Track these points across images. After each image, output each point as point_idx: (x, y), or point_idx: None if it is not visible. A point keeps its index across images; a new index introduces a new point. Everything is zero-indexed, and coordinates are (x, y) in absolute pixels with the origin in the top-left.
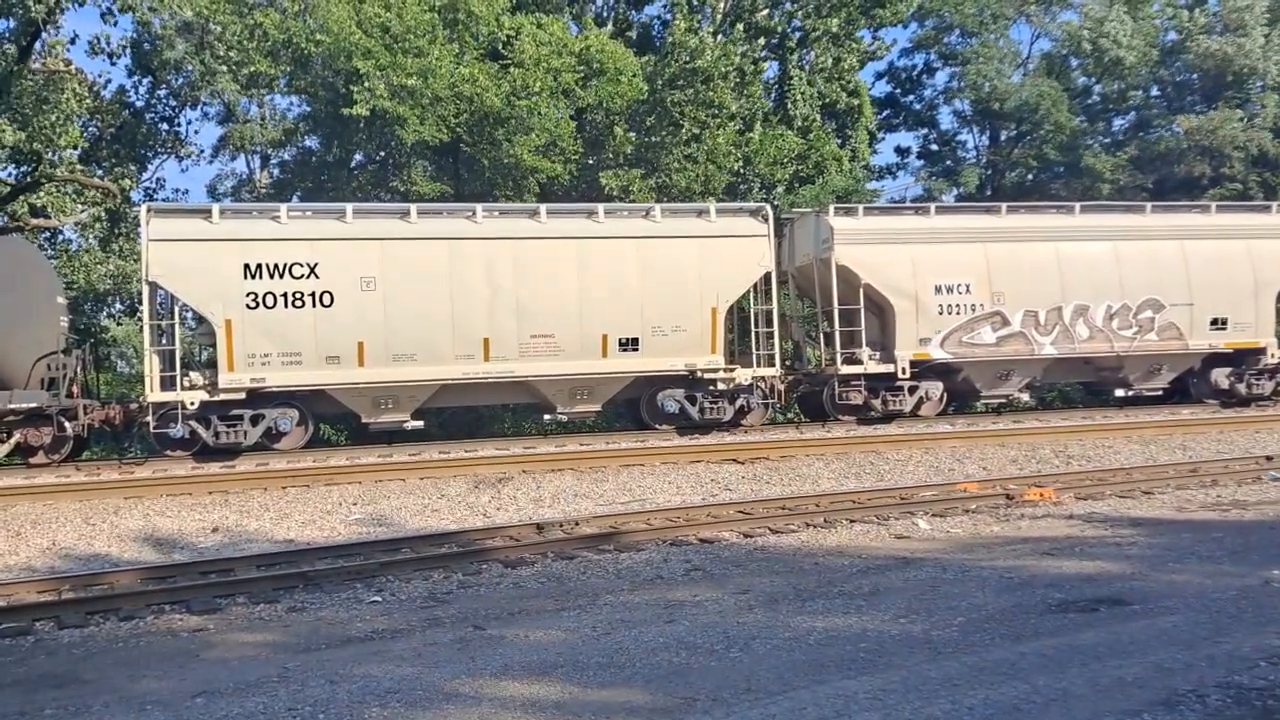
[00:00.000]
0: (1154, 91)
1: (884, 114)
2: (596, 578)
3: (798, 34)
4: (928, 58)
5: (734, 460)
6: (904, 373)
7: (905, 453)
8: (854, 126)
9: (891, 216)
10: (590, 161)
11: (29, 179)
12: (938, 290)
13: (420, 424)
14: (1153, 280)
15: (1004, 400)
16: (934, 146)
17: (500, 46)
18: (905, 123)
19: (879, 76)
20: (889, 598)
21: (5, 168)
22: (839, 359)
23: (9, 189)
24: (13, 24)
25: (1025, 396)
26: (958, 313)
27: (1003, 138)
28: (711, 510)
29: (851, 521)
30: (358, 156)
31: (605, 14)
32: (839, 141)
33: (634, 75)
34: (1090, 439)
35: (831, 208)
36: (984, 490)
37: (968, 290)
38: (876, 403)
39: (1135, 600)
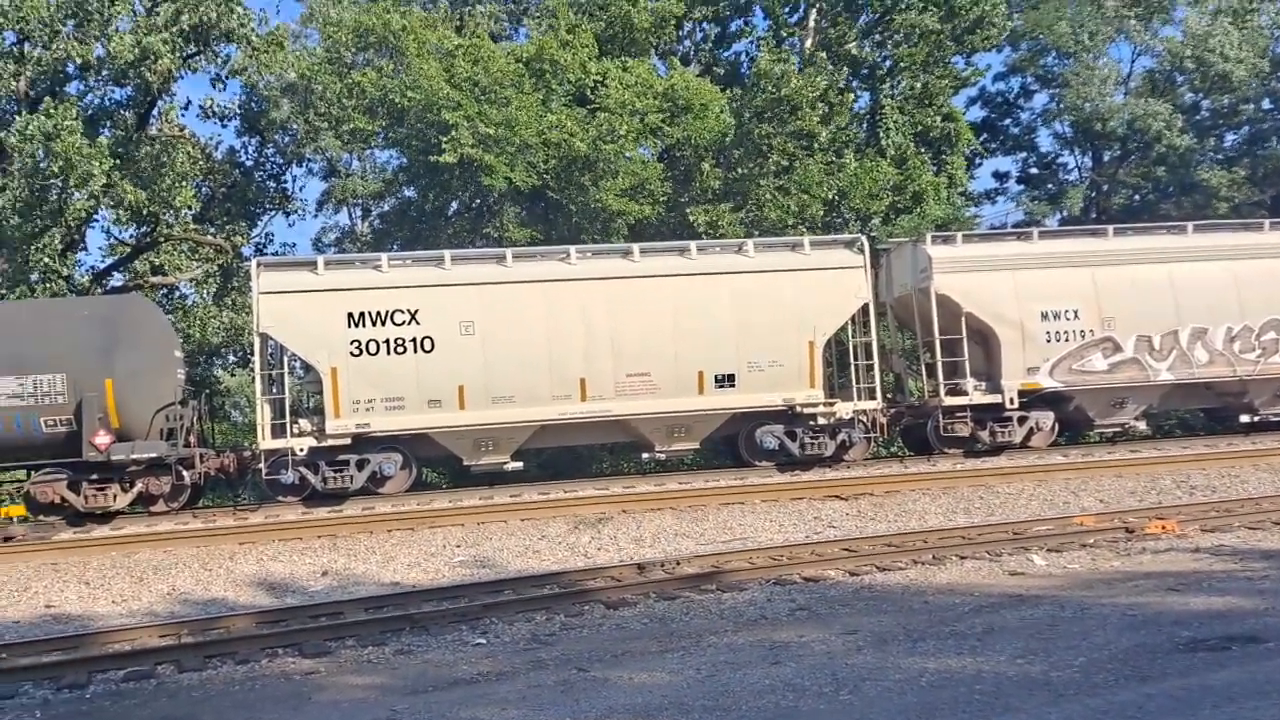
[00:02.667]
0: (1266, 105)
1: (980, 139)
2: (699, 618)
3: (887, 63)
4: (1024, 81)
5: (837, 496)
6: (1012, 403)
7: (1016, 486)
8: (950, 153)
9: (992, 243)
10: (682, 199)
11: (148, 239)
12: (1044, 317)
13: (520, 465)
14: (1276, 300)
15: (1119, 429)
16: (1034, 170)
17: (588, 91)
18: (1003, 147)
19: (972, 102)
20: (1004, 637)
21: (127, 229)
22: (942, 390)
23: (130, 249)
24: (131, 92)
25: (1142, 425)
26: (1066, 340)
27: (1106, 158)
28: (815, 548)
29: (962, 558)
30: (454, 205)
31: (692, 53)
32: (934, 169)
33: (720, 110)
34: (1214, 468)
35: (929, 236)
36: (1102, 523)
37: (1076, 316)
38: (984, 434)
39: (1271, 637)
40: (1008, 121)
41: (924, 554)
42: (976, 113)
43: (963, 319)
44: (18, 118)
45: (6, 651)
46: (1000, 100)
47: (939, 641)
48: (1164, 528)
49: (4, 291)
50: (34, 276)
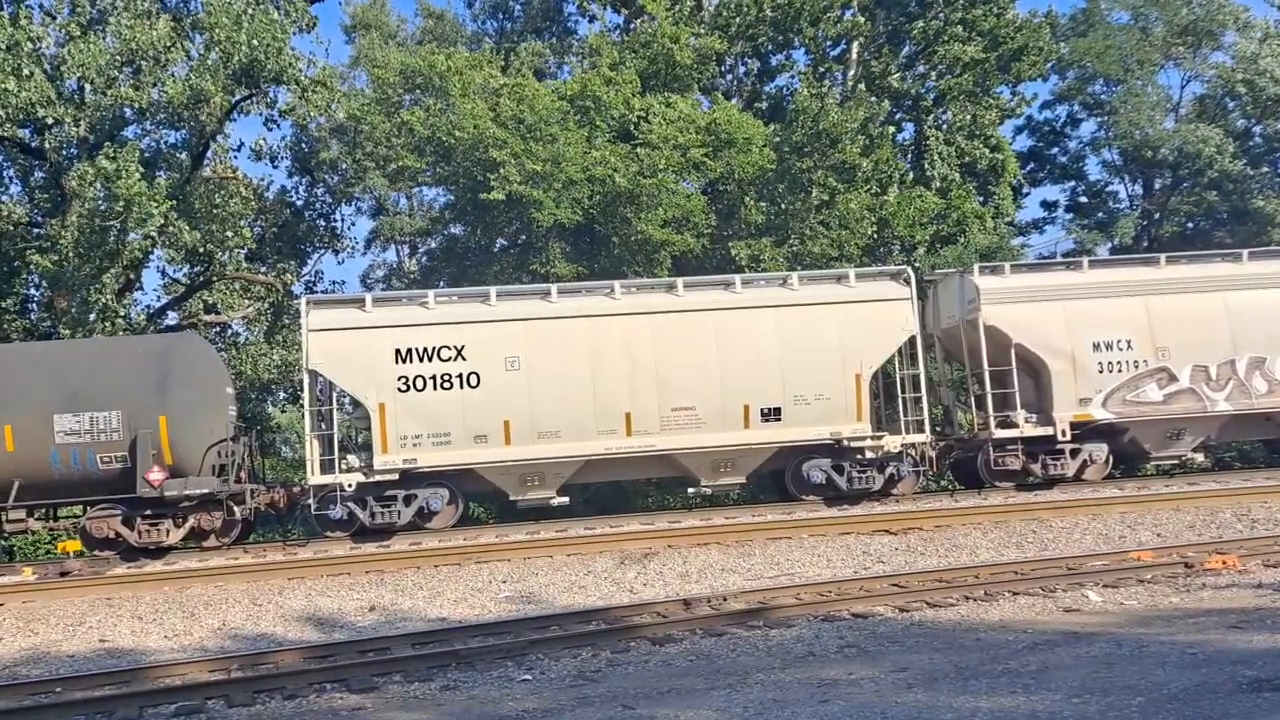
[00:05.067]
0: None
1: (1027, 168)
2: (746, 655)
3: (932, 94)
4: (1070, 109)
5: (886, 531)
6: (1064, 435)
7: (1070, 520)
8: (997, 183)
9: (1041, 273)
10: (725, 233)
11: (202, 278)
12: (1096, 347)
13: (566, 500)
14: None
15: (1176, 461)
16: (1083, 198)
17: (632, 127)
18: (1050, 176)
19: (1019, 130)
20: (1059, 675)
21: (181, 268)
22: (992, 423)
23: (185, 288)
24: (185, 134)
25: (1200, 457)
26: (1119, 370)
27: (1157, 186)
28: (864, 584)
29: (1014, 594)
30: (500, 241)
31: (734, 88)
32: (981, 199)
33: (763, 145)
34: (1276, 501)
35: (976, 267)
36: (1159, 558)
37: (1129, 346)
38: (1036, 467)
39: None
40: (1055, 150)
41: (975, 590)
42: (1023, 141)
43: (1012, 350)
44: (78, 163)
45: (61, 686)
46: (1047, 129)
47: (992, 680)
48: (1225, 563)
49: (66, 330)
50: (92, 316)
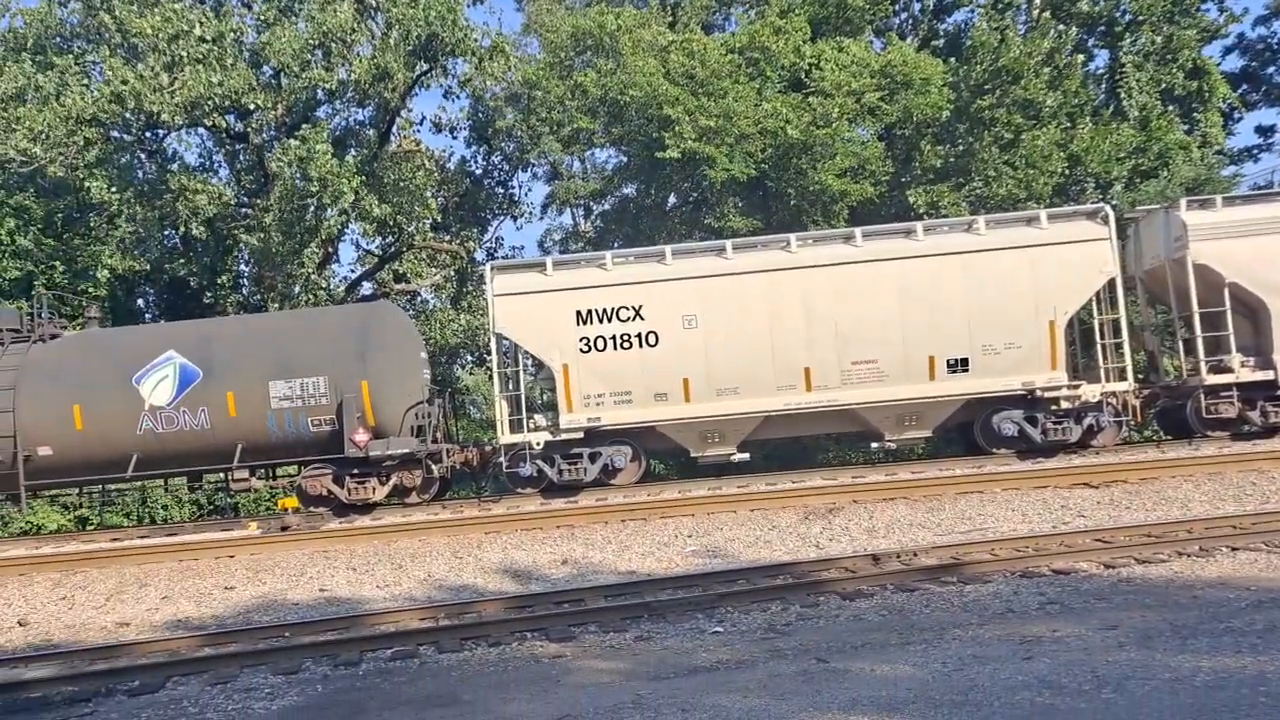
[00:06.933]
0: None
1: (1239, 90)
2: (941, 611)
3: (1126, 17)
4: None
5: (1086, 484)
6: None
7: None
8: (1204, 110)
9: (1258, 205)
10: (903, 180)
11: (393, 249)
12: None
13: (746, 456)
14: None
15: None
16: None
17: (803, 75)
18: (1267, 98)
19: (1228, 51)
20: None
21: (373, 240)
22: (1204, 368)
23: (377, 259)
24: (372, 112)
25: None
26: None
27: None
28: (1064, 539)
29: (1234, 550)
30: (671, 199)
31: (909, 27)
32: (1186, 128)
33: (941, 85)
34: None
35: (1183, 201)
36: None
37: None
38: (1254, 415)
39: None
40: (1271, 69)
41: (1189, 545)
42: (1234, 62)
43: (1225, 290)
44: (277, 144)
45: (290, 631)
46: (1262, 47)
47: (1213, 639)
48: None
49: (274, 303)
50: (296, 289)
